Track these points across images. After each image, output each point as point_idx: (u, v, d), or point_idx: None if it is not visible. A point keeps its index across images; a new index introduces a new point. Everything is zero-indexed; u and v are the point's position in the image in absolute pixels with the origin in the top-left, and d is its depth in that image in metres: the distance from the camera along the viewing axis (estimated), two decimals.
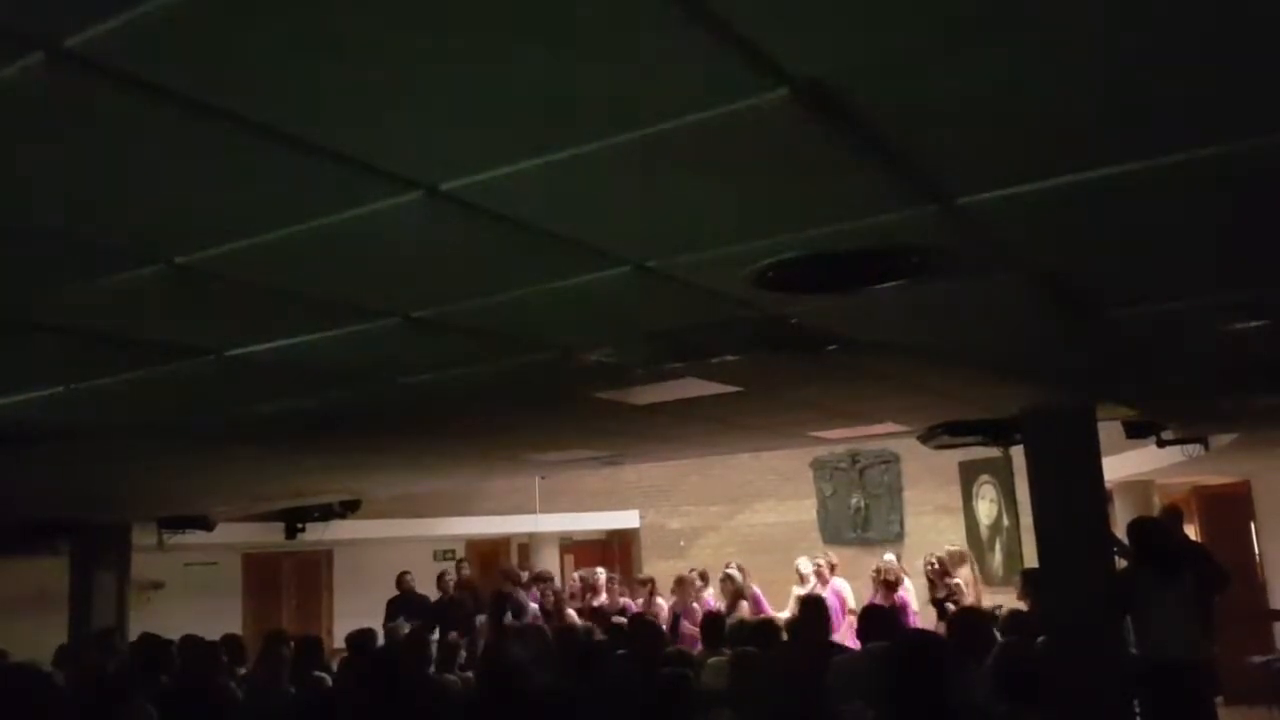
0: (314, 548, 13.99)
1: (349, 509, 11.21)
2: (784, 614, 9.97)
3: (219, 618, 11.38)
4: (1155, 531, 6.82)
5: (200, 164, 2.01)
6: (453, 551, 15.06)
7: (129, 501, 9.23)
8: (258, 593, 15.24)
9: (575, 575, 12.86)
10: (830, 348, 4.06)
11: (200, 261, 2.58)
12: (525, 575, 12.67)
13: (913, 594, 10.27)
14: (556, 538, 15.39)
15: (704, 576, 11.10)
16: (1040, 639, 6.16)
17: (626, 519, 15.07)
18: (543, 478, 13.21)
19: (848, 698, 4.89)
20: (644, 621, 8.07)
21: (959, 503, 12.90)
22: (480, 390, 4.69)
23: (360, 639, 7.85)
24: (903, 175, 2.26)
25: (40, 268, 2.63)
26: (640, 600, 11.42)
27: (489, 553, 15.82)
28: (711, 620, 7.67)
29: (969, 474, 12.61)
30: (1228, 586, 7.54)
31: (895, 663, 4.14)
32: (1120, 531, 7.02)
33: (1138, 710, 6.22)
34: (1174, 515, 8.57)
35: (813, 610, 6.77)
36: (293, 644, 7.28)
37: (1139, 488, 10.81)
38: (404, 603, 11.68)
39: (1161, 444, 7.89)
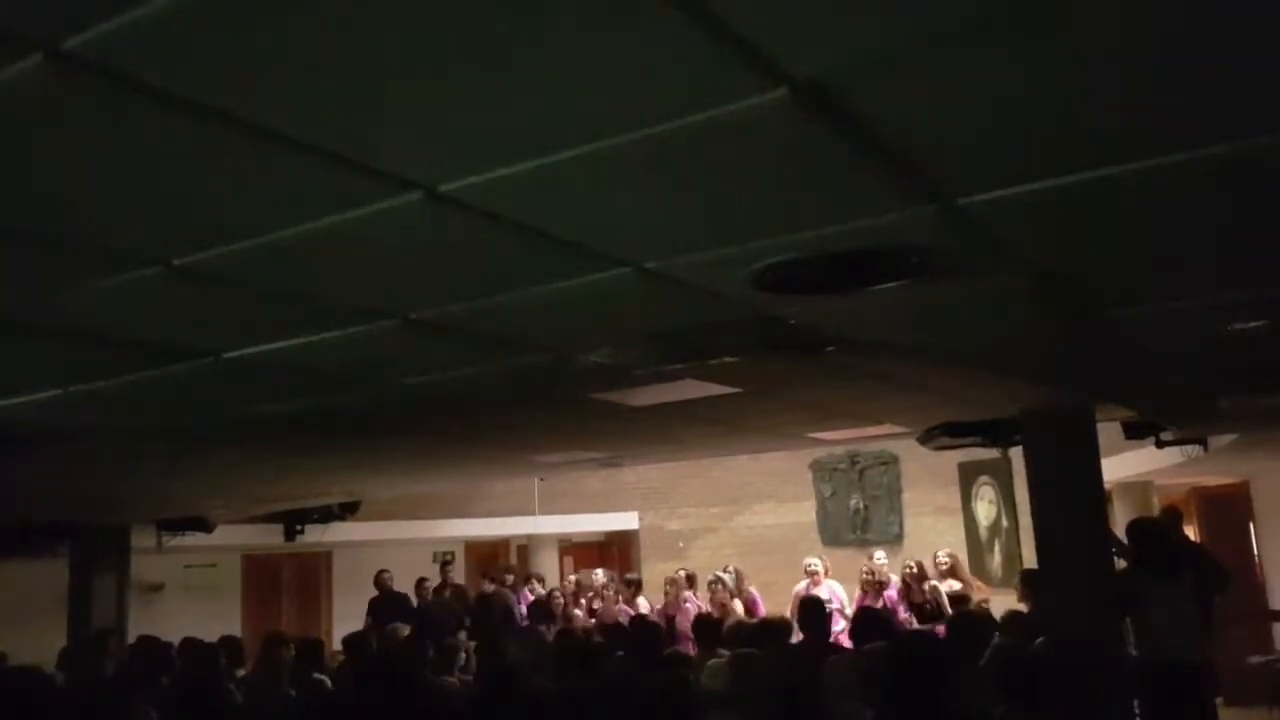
0: (313, 549, 13.99)
1: (348, 511, 11.21)
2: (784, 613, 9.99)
3: (218, 619, 11.38)
4: (1154, 532, 6.81)
5: (199, 165, 2.01)
6: (451, 553, 15.06)
7: (128, 503, 9.22)
8: (257, 595, 15.23)
9: (571, 577, 12.83)
10: (829, 349, 4.06)
11: (199, 263, 2.58)
12: (510, 578, 12.64)
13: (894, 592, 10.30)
14: (555, 539, 15.38)
15: (691, 579, 11.09)
16: (1039, 640, 6.16)
17: (625, 520, 15.06)
18: (542, 479, 13.21)
19: (846, 698, 4.89)
20: (644, 623, 8.06)
21: (958, 504, 12.88)
22: (479, 391, 4.69)
23: (356, 641, 7.85)
24: (902, 175, 2.26)
25: (39, 269, 2.63)
26: (624, 599, 11.42)
27: (488, 555, 15.82)
28: (705, 622, 7.67)
29: (968, 475, 12.59)
30: (1228, 587, 7.54)
31: (894, 663, 4.15)
32: (1120, 532, 7.02)
33: (1137, 711, 6.21)
34: (1173, 516, 8.56)
35: (812, 611, 6.77)
36: (293, 646, 7.27)
37: (1138, 488, 10.82)
38: (385, 603, 11.62)
39: (1161, 445, 7.90)
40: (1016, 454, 7.04)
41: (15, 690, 5.00)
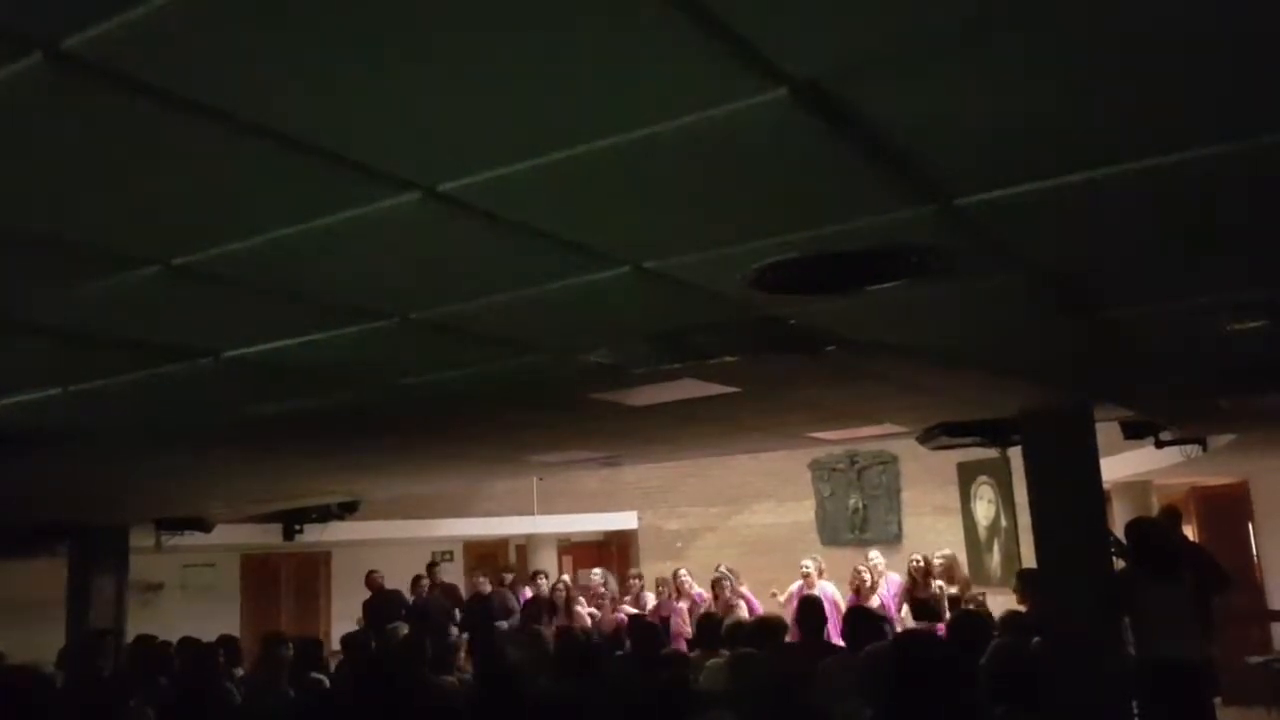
0: (312, 549, 13.99)
1: (347, 510, 11.21)
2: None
3: (217, 619, 11.37)
4: (1153, 532, 6.81)
5: (198, 165, 2.01)
6: (450, 553, 15.06)
7: (127, 503, 9.22)
8: (256, 594, 15.23)
9: (564, 578, 12.82)
10: (828, 349, 4.06)
11: (198, 263, 2.58)
12: (510, 577, 12.65)
13: (891, 590, 10.28)
14: (554, 539, 15.38)
15: (689, 575, 11.14)
16: (1037, 640, 6.16)
17: (624, 520, 15.07)
18: (540, 479, 13.22)
19: (845, 698, 4.89)
20: (643, 623, 8.07)
21: (957, 504, 12.89)
22: (479, 391, 4.69)
23: (355, 640, 7.85)
24: (901, 175, 2.26)
25: (38, 269, 2.63)
26: (629, 597, 11.44)
27: (487, 554, 15.82)
28: (706, 622, 7.67)
29: (967, 475, 12.59)
30: (1229, 587, 7.55)
31: (893, 663, 4.14)
32: (1119, 532, 7.02)
33: (1136, 711, 6.21)
34: (1172, 516, 8.57)
35: (810, 611, 6.77)
36: (291, 646, 7.28)
37: (1137, 488, 10.82)
38: (380, 602, 11.63)
39: (1160, 444, 7.90)
40: (1016, 454, 7.04)
41: (14, 689, 4.99)
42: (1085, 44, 1.70)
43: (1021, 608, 7.72)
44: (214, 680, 6.74)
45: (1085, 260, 3.11)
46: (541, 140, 1.97)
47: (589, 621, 10.80)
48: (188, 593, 13.98)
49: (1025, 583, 7.88)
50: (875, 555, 11.09)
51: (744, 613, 9.62)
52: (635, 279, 2.93)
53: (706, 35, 1.58)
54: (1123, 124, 2.05)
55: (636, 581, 11.75)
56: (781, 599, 10.57)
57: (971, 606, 9.08)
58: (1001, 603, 9.14)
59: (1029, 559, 7.47)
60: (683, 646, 8.80)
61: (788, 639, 6.86)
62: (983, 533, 12.49)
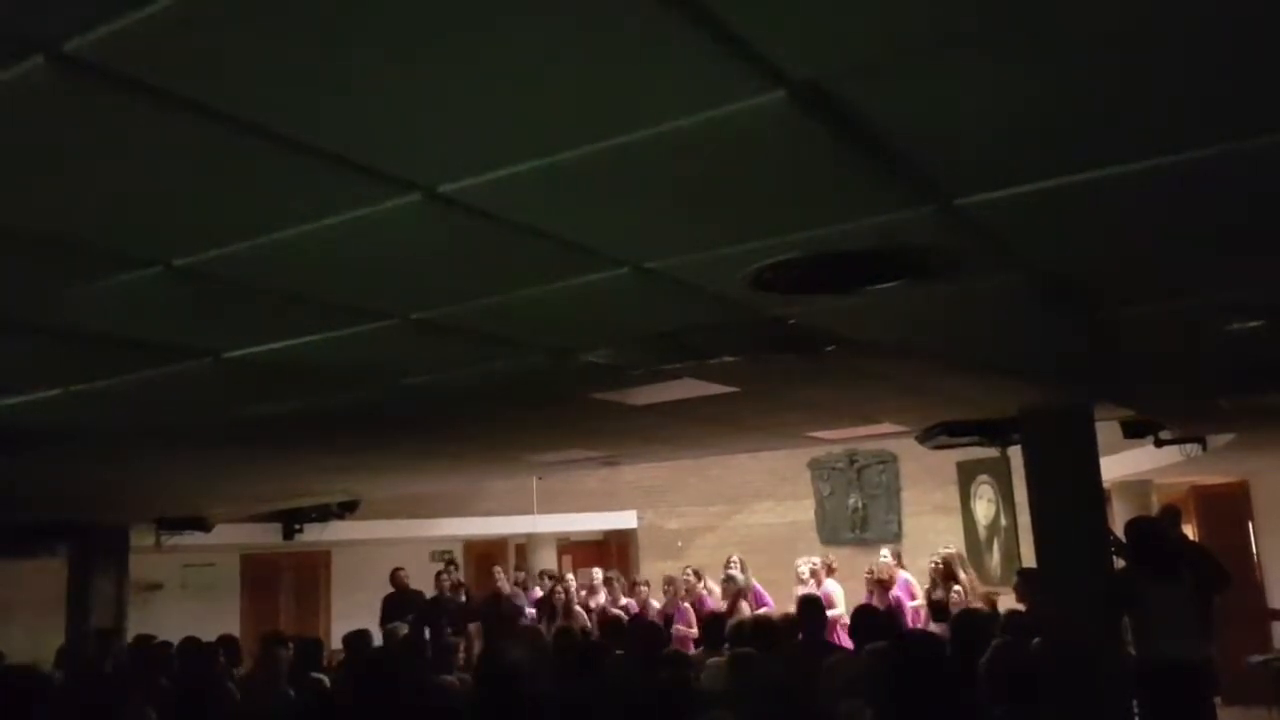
0: (312, 548, 13.98)
1: (347, 510, 11.21)
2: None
3: (217, 619, 11.38)
4: (1153, 531, 6.82)
5: (199, 166, 2.01)
6: (450, 552, 15.06)
7: (127, 503, 9.22)
8: (256, 594, 15.23)
9: (569, 576, 12.84)
10: (828, 349, 4.06)
11: (199, 264, 2.58)
12: (522, 575, 12.68)
13: (915, 584, 10.24)
14: (554, 538, 15.39)
15: (698, 575, 11.10)
16: (1037, 639, 6.16)
17: (624, 519, 15.08)
18: (540, 478, 13.22)
19: (846, 697, 4.89)
20: (643, 622, 8.07)
21: (957, 503, 12.90)
22: (479, 391, 4.69)
23: (356, 640, 7.84)
24: (900, 176, 2.26)
25: (39, 269, 2.63)
26: (636, 598, 11.44)
27: (487, 554, 15.82)
28: (712, 621, 7.67)
29: (967, 474, 12.60)
30: (1229, 586, 7.55)
31: (894, 663, 4.15)
32: (1119, 532, 7.02)
33: (1136, 711, 6.22)
34: (1172, 515, 8.58)
35: (811, 610, 6.77)
36: (292, 645, 7.28)
37: (1137, 487, 10.82)
38: (400, 600, 11.67)
39: (1160, 444, 7.90)
40: (1015, 453, 7.04)
41: (14, 689, 4.99)
42: (1085, 44, 1.70)
43: (1022, 607, 7.72)
44: (214, 680, 6.74)
45: (1085, 260, 3.11)
46: (542, 141, 1.97)
47: (589, 622, 10.80)
48: (188, 592, 13.98)
49: (1026, 582, 7.87)
50: (885, 553, 11.00)
51: (747, 611, 9.60)
52: (635, 279, 2.93)
53: (706, 36, 1.58)
54: (1123, 124, 2.05)
55: (644, 589, 11.66)
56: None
57: (980, 605, 9.07)
58: (1001, 603, 9.15)
59: (1029, 558, 7.47)
60: (689, 648, 8.77)
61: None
62: (983, 532, 12.49)
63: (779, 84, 1.76)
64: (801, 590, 10.44)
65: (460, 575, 13.00)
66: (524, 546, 15.60)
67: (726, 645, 6.70)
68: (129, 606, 10.59)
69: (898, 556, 10.98)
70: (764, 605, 10.28)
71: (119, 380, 3.92)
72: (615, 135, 1.94)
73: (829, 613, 9.72)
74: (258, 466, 7.04)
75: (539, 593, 12.13)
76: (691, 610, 10.59)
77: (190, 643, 7.47)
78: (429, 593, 11.93)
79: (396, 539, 13.77)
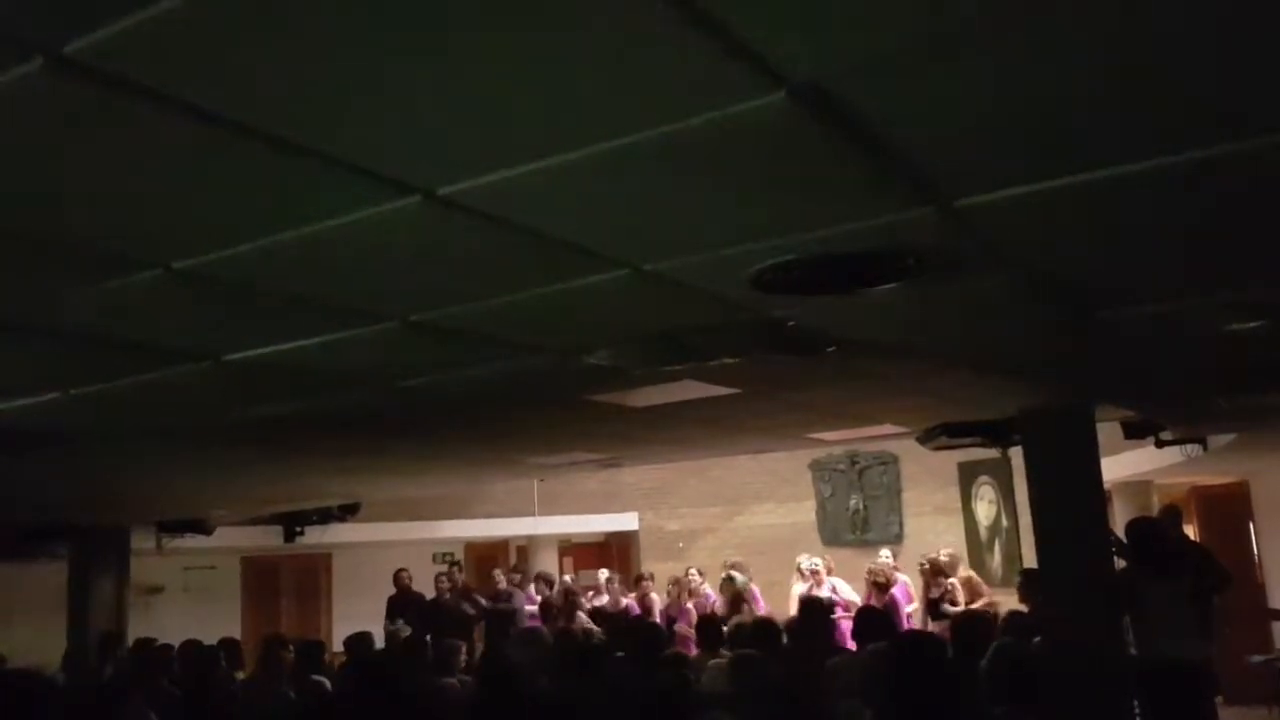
0: (313, 551, 13.99)
1: (348, 512, 11.20)
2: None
3: (218, 621, 11.39)
4: (1154, 532, 6.82)
5: (199, 169, 2.01)
6: (451, 554, 15.06)
7: (128, 505, 9.22)
8: (257, 596, 15.23)
9: (567, 578, 12.85)
10: (828, 349, 4.06)
11: (198, 266, 2.58)
12: (518, 577, 12.68)
13: (914, 587, 10.28)
14: (555, 540, 15.38)
15: (703, 574, 11.14)
16: (1038, 640, 6.16)
17: (625, 521, 15.07)
18: (541, 480, 13.21)
19: (846, 698, 4.89)
20: (643, 623, 8.07)
21: (958, 504, 12.90)
22: (479, 393, 4.69)
23: (357, 642, 7.84)
24: (900, 177, 2.26)
25: (38, 272, 2.63)
26: (635, 595, 11.45)
27: (488, 555, 15.82)
28: (708, 623, 7.67)
29: (968, 475, 12.61)
30: (1229, 586, 7.54)
31: (894, 663, 4.15)
32: (1120, 532, 7.02)
33: (1137, 711, 6.22)
34: (1173, 515, 8.57)
35: (813, 611, 6.77)
36: (292, 648, 7.27)
37: (1138, 488, 10.82)
38: (402, 602, 11.67)
39: (1160, 444, 7.90)
40: (1016, 454, 7.04)
41: (15, 692, 4.99)
42: (1085, 44, 1.70)
43: (1023, 607, 7.72)
44: (215, 682, 6.74)
45: (1085, 261, 3.11)
46: (541, 143, 1.97)
47: (589, 623, 10.81)
48: (189, 595, 13.98)
49: (1030, 582, 7.87)
50: (885, 554, 11.04)
51: (748, 612, 9.62)
52: (635, 281, 2.93)
53: (706, 37, 1.58)
54: (1122, 124, 2.05)
55: (648, 584, 11.70)
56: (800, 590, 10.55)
57: (977, 602, 9.10)
58: (1002, 603, 9.15)
59: (1030, 559, 7.46)
60: (690, 650, 8.77)
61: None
62: (984, 533, 12.50)
63: (779, 85, 1.76)
64: (799, 586, 10.52)
65: (462, 578, 12.98)
66: (525, 548, 15.59)
67: (725, 647, 6.69)
68: (130, 609, 10.59)
69: (894, 557, 11.04)
70: (758, 608, 10.33)
71: (119, 383, 3.92)
72: (614, 137, 1.94)
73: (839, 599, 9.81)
74: (258, 469, 7.03)
75: (537, 597, 12.11)
76: (694, 611, 10.60)
77: (191, 645, 7.47)
78: (430, 594, 11.93)
79: (397, 541, 13.77)
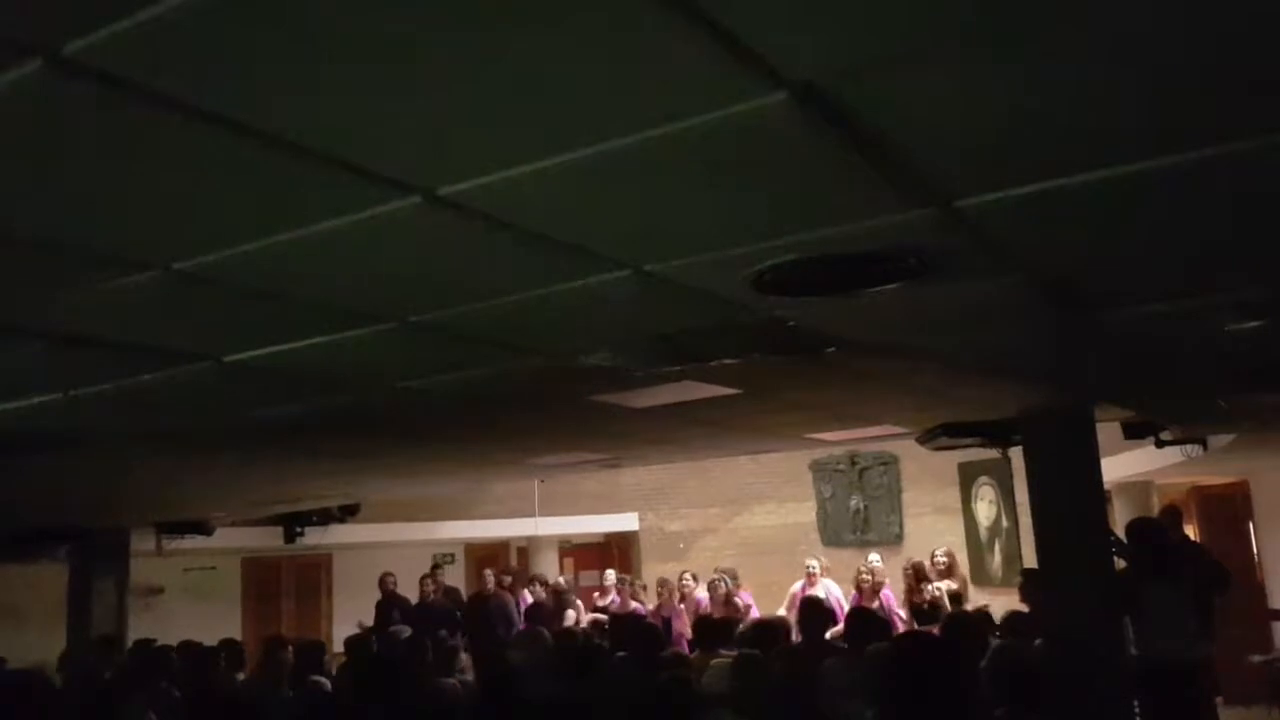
0: (313, 552, 13.99)
1: (348, 513, 11.22)
2: (780, 611, 10.07)
3: (218, 622, 11.39)
4: (1154, 532, 6.83)
5: (198, 170, 2.01)
6: (451, 555, 15.06)
7: (128, 506, 9.21)
8: (257, 597, 15.24)
9: (561, 579, 12.86)
10: (828, 350, 4.06)
11: (198, 267, 2.58)
12: (509, 579, 12.67)
13: (894, 599, 10.37)
14: (555, 541, 15.39)
15: (695, 578, 11.19)
16: (1038, 640, 6.16)
17: (625, 521, 15.08)
18: (541, 481, 13.22)
19: (846, 698, 4.89)
20: (643, 623, 8.06)
21: (958, 504, 12.90)
22: (479, 394, 4.69)
23: (357, 643, 7.84)
24: (901, 177, 2.26)
25: (38, 273, 2.63)
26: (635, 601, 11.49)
27: (488, 556, 15.82)
28: (705, 624, 7.67)
29: (968, 475, 12.61)
30: (1229, 587, 7.55)
31: (894, 664, 4.15)
32: (1120, 532, 7.02)
33: (1137, 711, 6.22)
34: (1173, 515, 8.58)
35: (812, 611, 6.77)
36: (292, 649, 7.27)
37: (1138, 488, 10.82)
38: (389, 606, 11.66)
39: (1160, 444, 7.90)
40: (1017, 454, 7.05)
41: (15, 693, 4.99)
42: (1085, 45, 1.70)
43: (1024, 607, 7.72)
44: (215, 683, 6.74)
45: (1085, 261, 3.11)
46: (541, 143, 1.97)
47: (584, 623, 10.84)
48: (189, 596, 13.98)
49: (1031, 582, 7.87)
50: (874, 557, 11.13)
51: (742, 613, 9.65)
52: (636, 282, 2.93)
53: (706, 38, 1.58)
54: (1122, 124, 2.05)
55: (641, 591, 11.79)
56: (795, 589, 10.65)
57: (970, 608, 9.11)
58: (1003, 603, 9.15)
59: (1030, 559, 7.46)
60: (684, 648, 8.80)
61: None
62: (984, 533, 12.50)
63: (779, 85, 1.76)
64: (795, 586, 10.59)
65: (445, 580, 12.94)
66: (525, 549, 15.60)
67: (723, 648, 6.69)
68: (130, 611, 10.59)
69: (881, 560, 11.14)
70: (749, 608, 10.41)
71: (119, 384, 3.91)
72: (614, 138, 1.94)
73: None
74: (258, 470, 7.03)
75: (529, 598, 12.09)
76: (685, 613, 10.66)
77: (191, 646, 7.47)
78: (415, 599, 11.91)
79: (397, 542, 13.78)
